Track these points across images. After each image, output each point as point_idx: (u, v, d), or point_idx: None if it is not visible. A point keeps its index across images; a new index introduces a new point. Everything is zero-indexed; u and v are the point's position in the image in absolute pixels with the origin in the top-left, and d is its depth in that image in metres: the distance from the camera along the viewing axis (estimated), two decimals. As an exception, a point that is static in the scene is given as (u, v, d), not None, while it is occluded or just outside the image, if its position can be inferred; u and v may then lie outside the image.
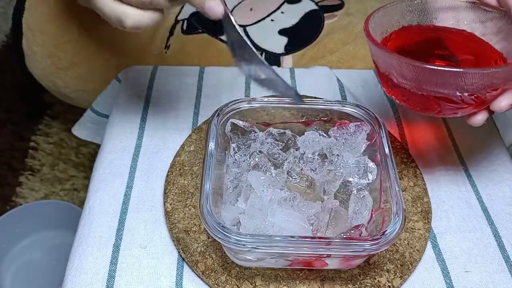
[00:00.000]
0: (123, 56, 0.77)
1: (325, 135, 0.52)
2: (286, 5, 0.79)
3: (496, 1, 0.49)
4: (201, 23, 0.77)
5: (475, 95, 0.44)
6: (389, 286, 0.46)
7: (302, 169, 0.51)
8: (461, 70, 0.42)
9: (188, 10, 0.79)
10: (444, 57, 0.51)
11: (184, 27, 0.77)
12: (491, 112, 0.46)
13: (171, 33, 0.76)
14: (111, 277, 0.47)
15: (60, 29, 0.76)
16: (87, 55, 0.78)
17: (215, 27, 0.76)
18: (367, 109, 0.51)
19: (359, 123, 0.51)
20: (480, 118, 0.46)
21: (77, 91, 0.83)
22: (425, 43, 0.52)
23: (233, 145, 0.51)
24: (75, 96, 0.85)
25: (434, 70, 0.42)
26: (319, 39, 0.74)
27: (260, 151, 0.51)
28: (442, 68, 0.42)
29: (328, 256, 0.43)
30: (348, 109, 0.51)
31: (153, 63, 0.71)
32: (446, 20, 0.52)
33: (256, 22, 0.77)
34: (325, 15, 0.77)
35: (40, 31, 0.77)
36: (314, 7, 0.79)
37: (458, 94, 0.44)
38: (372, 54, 0.48)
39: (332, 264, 0.46)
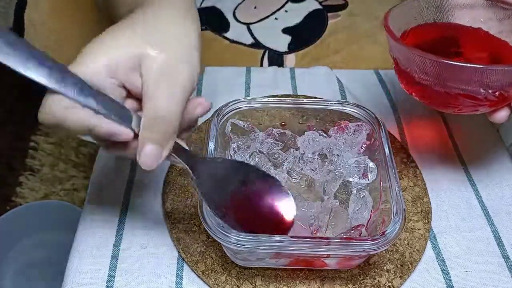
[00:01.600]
0: None
1: (325, 135, 0.52)
2: (290, 4, 0.79)
3: None
4: (204, 20, 0.77)
5: (499, 92, 0.43)
6: (389, 286, 0.46)
7: (302, 169, 0.51)
8: (487, 67, 0.42)
9: None
10: (460, 54, 0.51)
11: None
12: None
13: None
14: (111, 277, 0.47)
15: (62, 25, 0.76)
16: None
17: (219, 24, 0.77)
18: (367, 109, 0.51)
19: (359, 123, 0.51)
20: (503, 114, 0.46)
21: None
22: (442, 41, 0.52)
23: (233, 145, 0.51)
24: None
25: (459, 67, 0.42)
26: (322, 38, 0.74)
27: (260, 151, 0.51)
28: (468, 65, 0.41)
29: (328, 256, 0.43)
30: (348, 109, 0.51)
31: None
32: (462, 17, 0.52)
33: (259, 20, 0.77)
34: (328, 14, 0.77)
35: (42, 26, 0.77)
36: (318, 6, 0.79)
37: (482, 91, 0.43)
38: (391, 51, 0.47)
39: (332, 264, 0.46)
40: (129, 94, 0.38)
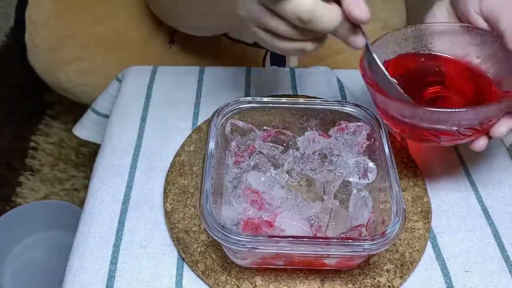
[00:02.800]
0: (126, 51, 0.77)
1: (325, 135, 0.52)
2: None
3: (487, 25, 0.49)
4: None
5: (472, 129, 0.45)
6: (389, 286, 0.46)
7: (302, 169, 0.51)
8: (455, 110, 0.44)
9: None
10: (441, 83, 0.53)
11: None
12: (490, 137, 0.47)
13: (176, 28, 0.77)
14: (111, 277, 0.47)
15: (63, 23, 0.76)
16: (90, 50, 0.78)
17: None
18: (367, 109, 0.51)
19: (359, 123, 0.51)
20: (482, 143, 0.47)
21: (79, 86, 0.83)
22: (421, 70, 0.53)
23: (233, 145, 0.51)
24: (77, 91, 0.84)
25: (429, 111, 0.43)
26: None
27: (260, 152, 0.51)
28: (436, 109, 0.43)
29: (328, 256, 0.43)
30: (348, 109, 0.51)
31: (156, 58, 0.71)
32: (441, 44, 0.53)
33: None
34: None
35: (43, 25, 0.77)
36: None
37: (455, 128, 0.45)
38: (369, 93, 0.48)
39: (332, 263, 0.46)
40: None
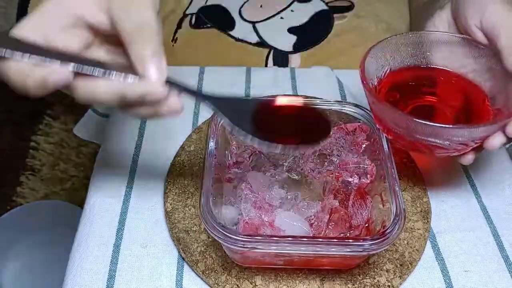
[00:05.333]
0: None
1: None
2: (296, 4, 0.79)
3: (486, 40, 0.49)
4: (210, 17, 0.77)
5: (463, 144, 0.46)
6: (389, 286, 0.46)
7: (302, 169, 0.51)
8: (448, 126, 0.44)
9: (197, 5, 0.79)
10: (434, 94, 0.53)
11: (193, 21, 0.77)
12: (480, 151, 0.48)
13: (179, 26, 0.77)
14: (111, 277, 0.47)
15: None
16: None
17: (224, 22, 0.77)
18: (367, 110, 0.51)
19: (358, 123, 0.51)
20: (470, 157, 0.48)
21: None
22: (415, 81, 0.54)
23: (233, 145, 0.52)
24: None
25: (423, 124, 0.44)
26: (328, 39, 0.74)
27: (260, 152, 0.51)
28: (431, 124, 0.43)
29: (328, 256, 0.43)
30: (348, 109, 0.51)
31: None
32: (439, 53, 0.53)
33: (265, 19, 0.77)
34: (334, 15, 0.77)
35: None
36: (324, 7, 0.79)
37: (447, 143, 0.45)
38: (367, 98, 0.49)
39: (332, 263, 0.46)
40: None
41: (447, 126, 0.44)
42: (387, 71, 0.53)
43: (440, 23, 0.53)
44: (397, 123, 0.46)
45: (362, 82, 0.47)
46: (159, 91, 0.35)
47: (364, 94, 0.48)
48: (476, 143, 0.46)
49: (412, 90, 0.53)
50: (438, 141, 0.45)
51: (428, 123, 0.43)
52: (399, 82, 0.53)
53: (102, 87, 0.35)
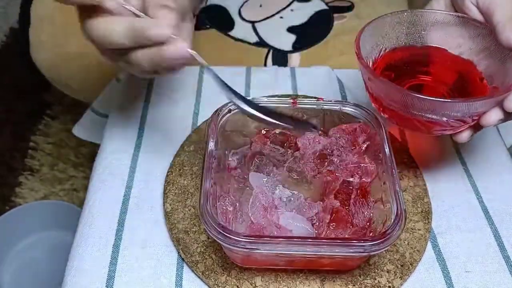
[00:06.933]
0: None
1: (325, 135, 0.52)
2: (296, 3, 0.79)
3: (483, 18, 0.49)
4: (210, 18, 0.77)
5: (460, 120, 0.45)
6: (389, 287, 0.46)
7: (302, 169, 0.51)
8: (446, 100, 0.44)
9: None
10: (429, 73, 0.53)
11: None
12: (477, 129, 0.48)
13: None
14: (110, 277, 0.47)
15: (68, 19, 0.76)
16: (94, 47, 0.78)
17: (224, 22, 0.76)
18: (367, 109, 0.51)
19: (359, 123, 0.51)
20: (465, 135, 0.48)
21: (81, 83, 0.83)
22: (410, 60, 0.53)
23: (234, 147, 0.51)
24: (79, 88, 0.84)
25: (420, 98, 0.43)
26: (327, 39, 0.74)
27: (260, 152, 0.51)
28: (428, 98, 0.43)
29: (328, 256, 0.43)
30: (348, 109, 0.51)
31: None
32: (435, 33, 0.53)
33: (265, 19, 0.77)
34: (334, 15, 0.77)
35: (49, 21, 0.77)
36: (324, 7, 0.79)
37: (444, 119, 0.45)
38: (362, 75, 0.48)
39: (332, 264, 0.46)
40: None
41: (444, 100, 0.44)
42: (382, 51, 0.52)
43: (438, 7, 0.53)
44: (393, 98, 0.45)
45: (358, 57, 0.47)
46: (165, 27, 0.39)
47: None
48: (473, 119, 0.46)
49: (407, 70, 0.53)
50: (435, 117, 0.45)
51: (425, 97, 0.43)
52: (394, 62, 0.53)
53: (116, 22, 0.40)
